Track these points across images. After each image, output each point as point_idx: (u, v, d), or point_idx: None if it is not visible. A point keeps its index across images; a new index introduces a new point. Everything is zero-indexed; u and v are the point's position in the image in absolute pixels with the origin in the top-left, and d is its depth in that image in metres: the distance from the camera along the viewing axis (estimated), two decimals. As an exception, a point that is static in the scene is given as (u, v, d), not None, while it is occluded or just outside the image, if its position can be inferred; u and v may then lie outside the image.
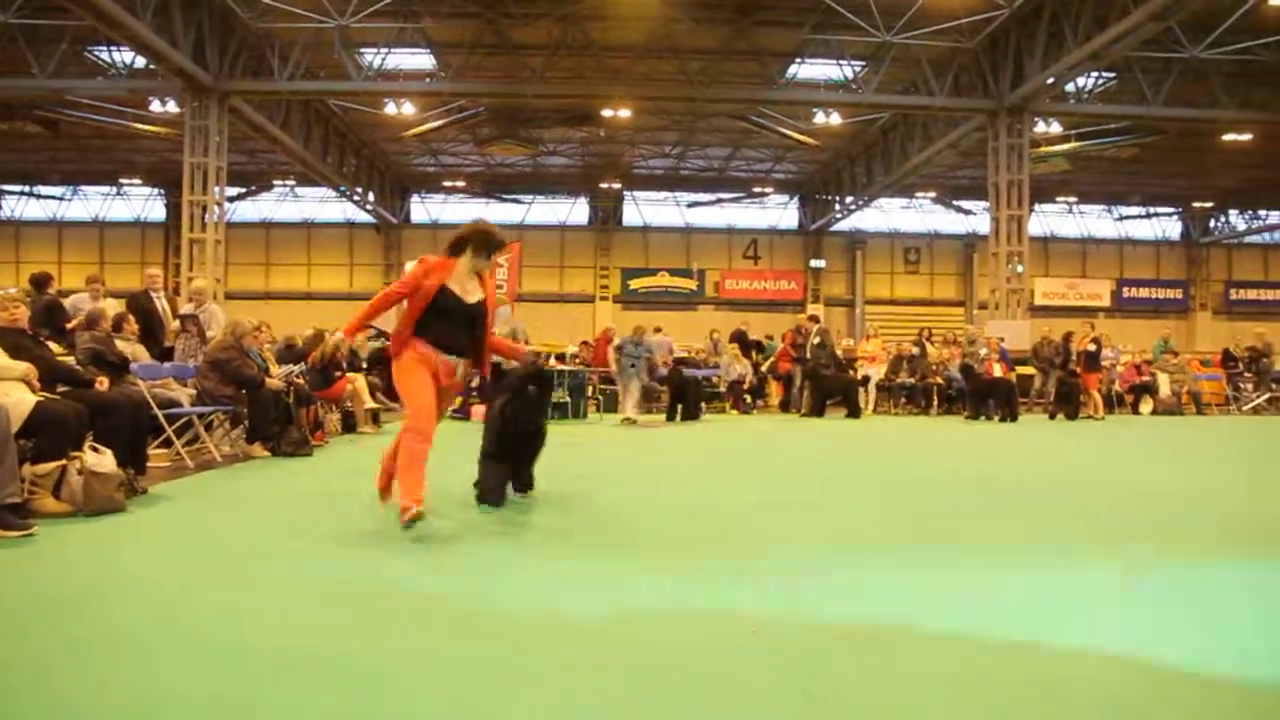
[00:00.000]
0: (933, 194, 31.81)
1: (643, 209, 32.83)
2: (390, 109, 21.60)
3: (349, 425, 10.90)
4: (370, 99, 21.80)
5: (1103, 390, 15.56)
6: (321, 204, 31.88)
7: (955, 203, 32.33)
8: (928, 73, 19.81)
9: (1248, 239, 34.80)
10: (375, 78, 20.62)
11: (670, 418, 13.76)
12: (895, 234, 33.57)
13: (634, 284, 31.94)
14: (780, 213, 33.27)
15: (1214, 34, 18.32)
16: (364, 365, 12.07)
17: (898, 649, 2.63)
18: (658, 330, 17.76)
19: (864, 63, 20.37)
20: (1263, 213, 33.22)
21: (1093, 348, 14.92)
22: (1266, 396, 17.64)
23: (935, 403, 15.88)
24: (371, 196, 29.36)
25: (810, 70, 21.14)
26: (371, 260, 32.06)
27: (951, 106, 20.26)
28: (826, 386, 14.47)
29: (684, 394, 13.88)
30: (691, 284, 32.00)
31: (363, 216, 31.34)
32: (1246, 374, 18.05)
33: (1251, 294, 34.83)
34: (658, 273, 32.05)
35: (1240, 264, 35.40)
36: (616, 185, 31.37)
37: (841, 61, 20.47)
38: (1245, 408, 17.47)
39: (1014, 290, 20.00)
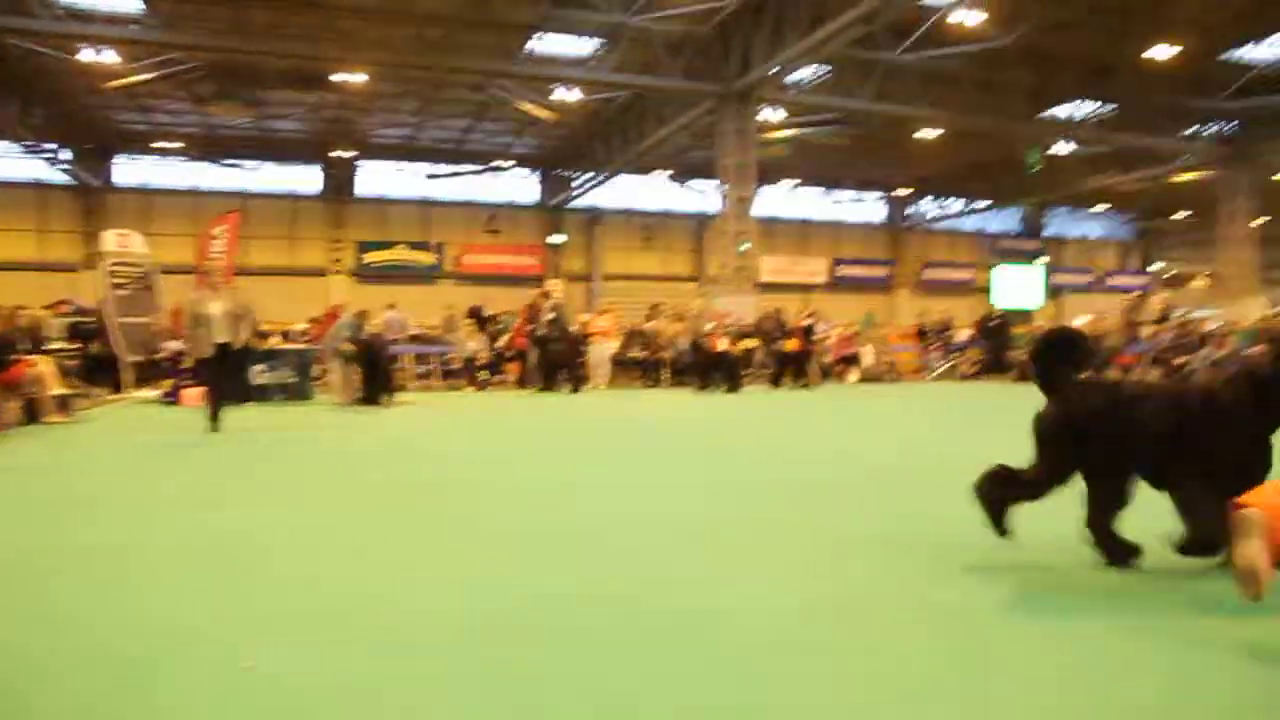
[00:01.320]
0: (668, 172, 32.91)
1: (379, 179, 31.56)
2: (87, 55, 19.28)
3: (32, 415, 9.68)
4: (60, 42, 19.32)
5: (817, 361, 16.83)
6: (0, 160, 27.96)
7: (688, 182, 33.62)
8: (662, 55, 20.41)
9: (938, 224, 39.00)
10: (64, 17, 18.26)
11: (367, 399, 12.12)
12: (632, 211, 34.45)
13: (370, 257, 30.66)
14: (521, 187, 33.16)
15: (909, 40, 20.23)
16: (53, 346, 10.74)
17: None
18: (390, 307, 17.18)
19: (603, 41, 20.62)
20: (948, 201, 37.37)
21: (808, 322, 16.07)
22: (949, 364, 19.84)
23: (668, 375, 16.51)
24: (67, 155, 26.16)
25: (550, 45, 21.12)
26: (69, 227, 28.56)
27: (685, 89, 21.00)
28: (554, 360, 14.56)
29: (375, 370, 12.49)
30: (431, 258, 31.20)
31: (58, 177, 27.86)
32: (934, 345, 20.21)
33: (941, 274, 39.10)
34: (395, 246, 30.95)
35: (933, 246, 39.60)
36: (351, 154, 29.92)
37: (581, 38, 20.62)
38: (932, 375, 19.56)
39: (741, 267, 21.14)
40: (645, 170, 32.32)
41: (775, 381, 15.97)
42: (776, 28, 18.56)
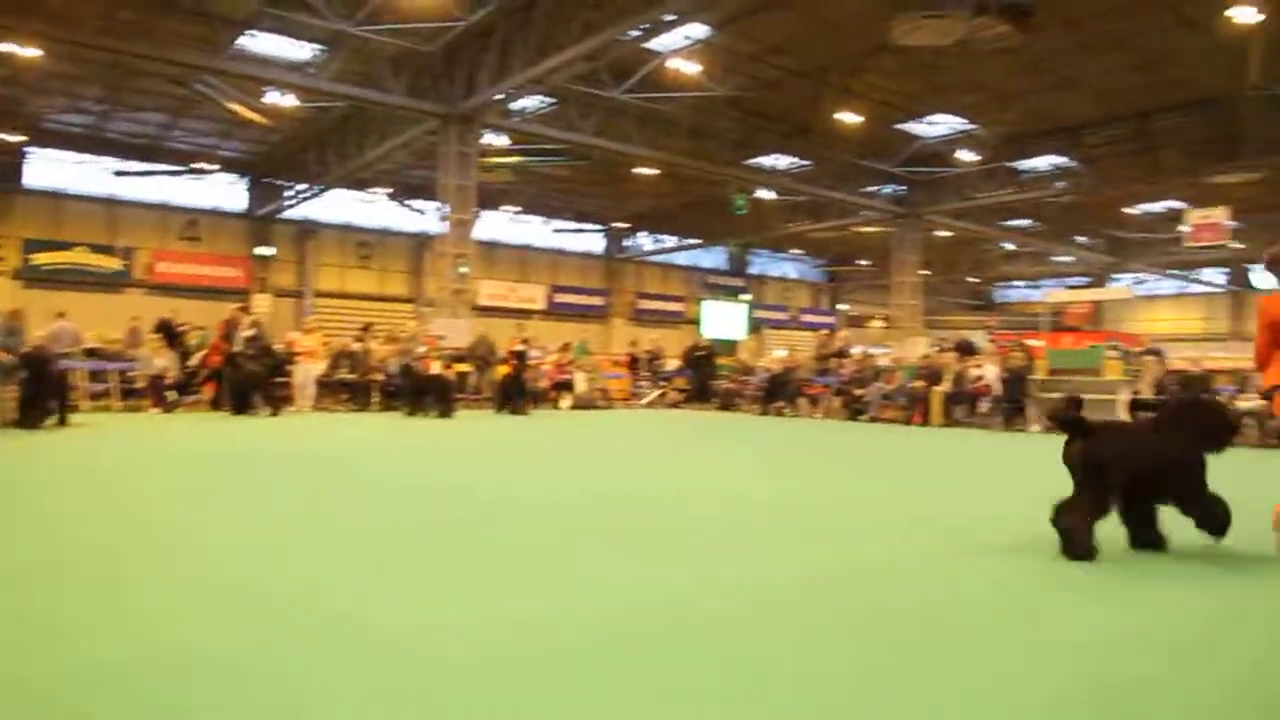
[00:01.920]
0: (387, 190, 31.99)
1: (54, 171, 28.04)
2: None
3: None
4: None
5: (530, 387, 16.91)
6: None
7: (408, 201, 32.85)
8: (385, 69, 19.84)
9: (652, 258, 40.81)
10: None
11: (24, 422, 10.68)
12: (349, 227, 33.10)
13: (39, 258, 27.04)
14: (227, 193, 30.83)
15: (630, 80, 21.10)
16: None
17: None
18: (60, 315, 15.27)
19: (323, 47, 19.69)
20: (663, 236, 39.25)
21: (521, 348, 16.15)
22: (659, 392, 20.71)
23: (375, 399, 15.93)
24: None
25: (264, 45, 19.81)
26: None
27: (408, 106, 20.49)
28: (248, 380, 13.53)
29: (40, 387, 11.03)
30: (116, 263, 28.11)
31: None
32: (644, 373, 21.02)
33: (654, 305, 40.88)
34: (73, 247, 27.56)
35: (647, 279, 41.36)
36: (18, 138, 26.37)
37: (299, 42, 19.54)
38: (642, 402, 20.32)
39: (459, 290, 20.90)
40: (364, 186, 31.23)
41: (500, 407, 15.88)
42: (503, 54, 18.64)
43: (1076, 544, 4.12)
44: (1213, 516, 4.32)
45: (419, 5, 18.03)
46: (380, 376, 15.94)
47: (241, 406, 13.44)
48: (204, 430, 11.25)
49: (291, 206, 29.81)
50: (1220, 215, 26.11)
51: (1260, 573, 4.05)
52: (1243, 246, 35.99)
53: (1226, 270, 44.02)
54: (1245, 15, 17.15)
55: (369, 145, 23.62)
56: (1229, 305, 44.76)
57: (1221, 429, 4.41)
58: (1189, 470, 4.29)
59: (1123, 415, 13.49)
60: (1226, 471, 4.47)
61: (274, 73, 19.83)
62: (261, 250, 30.75)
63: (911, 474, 8.20)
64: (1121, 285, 42.86)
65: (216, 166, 29.39)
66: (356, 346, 16.23)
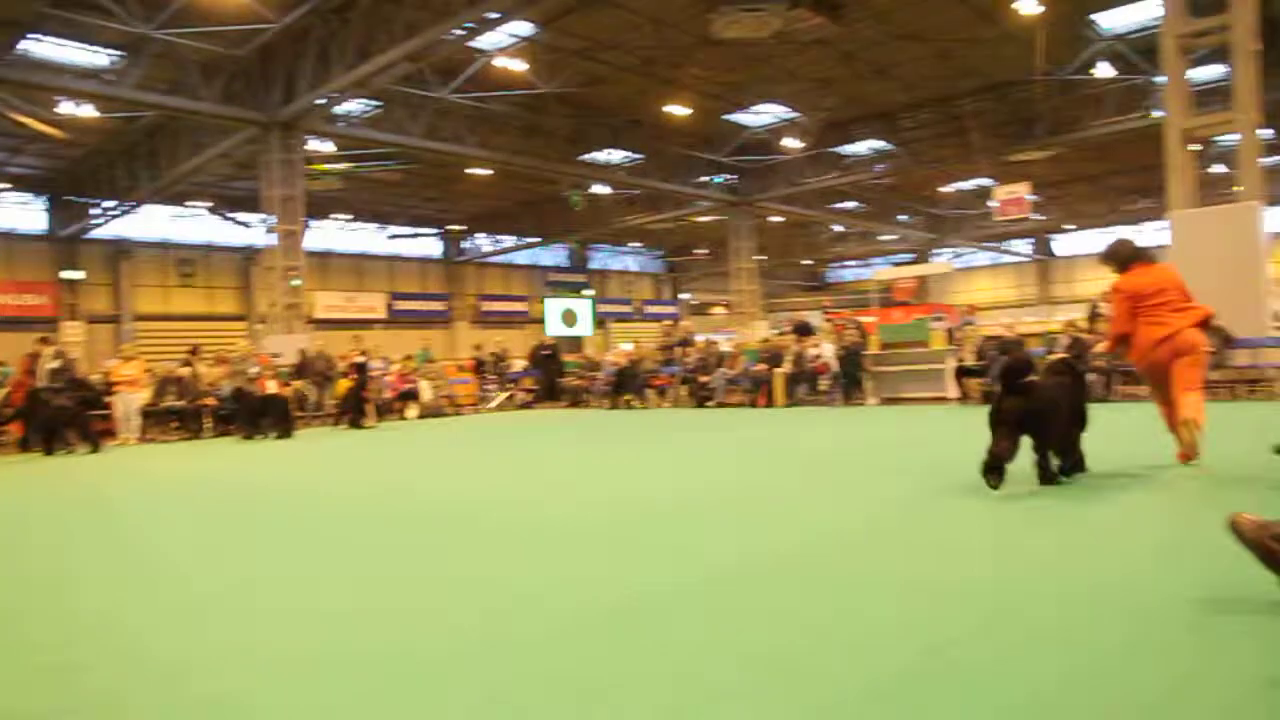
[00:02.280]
0: (208, 203, 30.33)
1: None
2: None
3: None
4: None
5: (374, 399, 16.42)
6: None
7: (231, 214, 31.28)
8: (196, 76, 18.72)
9: (492, 259, 40.36)
10: None
11: None
12: (168, 244, 31.20)
13: None
14: (22, 214, 28.43)
15: (457, 81, 20.78)
16: None
17: None
18: None
19: (121, 53, 18.36)
20: (502, 237, 38.88)
21: (361, 359, 15.66)
22: (506, 395, 20.51)
23: (208, 425, 15.09)
24: None
25: (52, 51, 18.27)
26: None
27: (222, 114, 19.44)
28: (53, 417, 12.50)
29: None
30: (-107, 295, 25.51)
31: None
32: (491, 376, 20.76)
33: (497, 306, 40.48)
34: None
35: (489, 280, 40.89)
36: None
37: (94, 47, 18.13)
38: (491, 405, 20.08)
39: (292, 304, 20.08)
40: (181, 200, 29.52)
41: (337, 422, 15.32)
42: (322, 58, 17.96)
43: (1047, 475, 5.19)
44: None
45: (225, 7, 17.13)
46: (212, 401, 15.09)
47: (51, 446, 12.42)
48: (5, 474, 10.38)
49: (100, 225, 27.79)
50: (1022, 190, 28.11)
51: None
52: (1043, 218, 39.00)
53: (1031, 240, 47.49)
54: (1028, 6, 18.54)
55: (183, 157, 22.29)
56: (1036, 272, 48.32)
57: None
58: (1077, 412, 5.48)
59: (950, 381, 14.33)
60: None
61: (66, 81, 18.27)
62: (69, 274, 28.51)
63: (757, 457, 8.43)
64: (942, 260, 45.61)
65: (7, 185, 27.06)
66: (184, 371, 15.28)
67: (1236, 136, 12.46)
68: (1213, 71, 20.15)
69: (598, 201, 32.00)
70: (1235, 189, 12.16)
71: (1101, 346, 6.44)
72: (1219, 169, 26.66)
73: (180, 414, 14.85)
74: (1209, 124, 12.93)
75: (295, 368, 16.75)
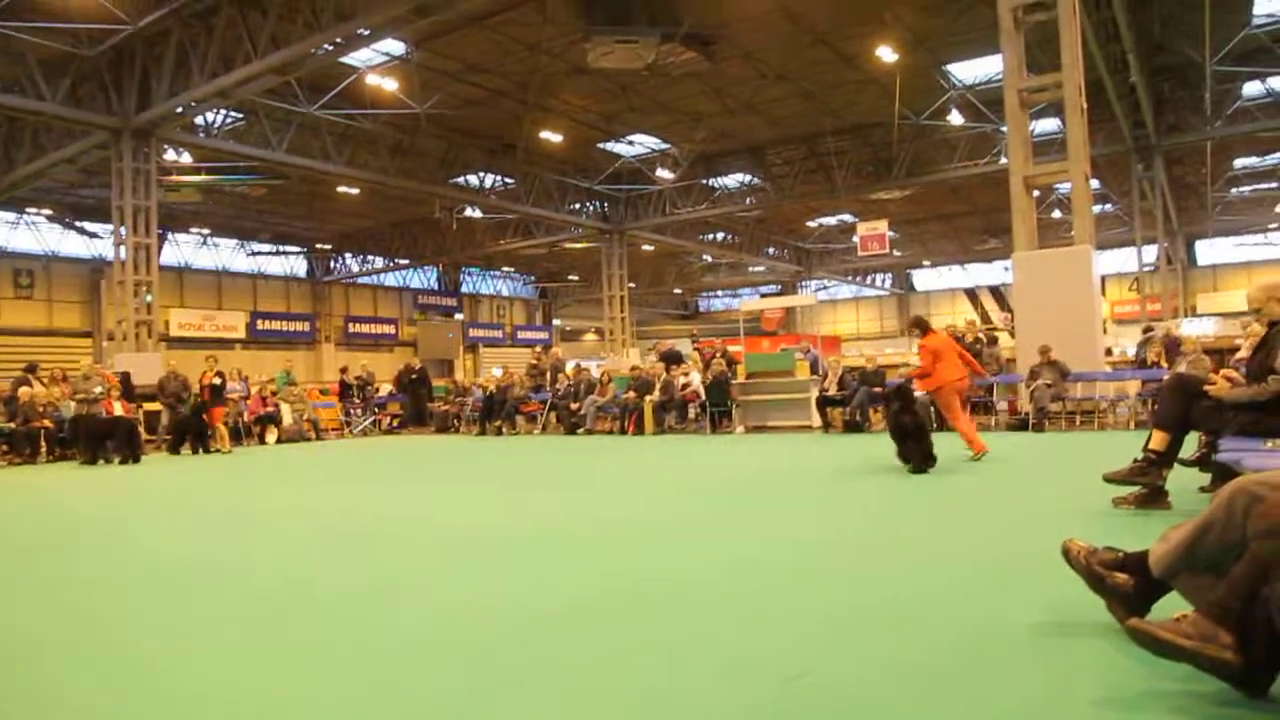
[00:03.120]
0: (49, 211, 28.51)
1: None
2: None
3: None
4: None
5: (229, 422, 15.69)
6: None
7: (78, 223, 29.50)
8: (36, 74, 17.58)
9: (360, 279, 39.36)
10: None
11: None
12: (2, 252, 29.11)
13: None
14: None
15: (326, 96, 20.26)
16: None
17: None
18: None
19: (-50, 47, 17.09)
20: (371, 257, 37.99)
21: (218, 381, 14.96)
22: (371, 420, 19.96)
23: (45, 449, 14.09)
24: None
25: None
26: None
27: (67, 117, 18.32)
28: None
29: None
30: None
31: None
32: (357, 400, 20.16)
33: (366, 328, 39.48)
34: None
35: (357, 301, 39.86)
36: None
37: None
38: (355, 430, 19.48)
39: (144, 321, 19.03)
40: (20, 206, 27.65)
41: (175, 448, 14.53)
42: (181, 64, 17.22)
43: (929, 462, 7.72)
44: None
45: (73, 4, 16.20)
46: (49, 423, 14.08)
47: None
48: None
49: (-76, 232, 25.73)
50: (882, 227, 29.41)
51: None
52: (902, 254, 40.94)
53: (892, 275, 49.70)
54: (887, 54, 19.53)
55: (22, 160, 20.88)
56: (895, 306, 50.54)
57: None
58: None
59: (814, 410, 14.77)
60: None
61: None
62: (-114, 284, 26.24)
63: (621, 483, 8.46)
64: (808, 293, 47.18)
65: None
66: (20, 391, 14.19)
67: (1068, 185, 13.41)
68: (1052, 124, 21.70)
69: (470, 224, 31.71)
70: (1072, 233, 13.03)
71: (917, 383, 9.11)
72: (1057, 215, 28.65)
73: (10, 437, 13.79)
74: (1047, 173, 13.87)
75: (155, 387, 15.84)
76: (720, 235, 37.30)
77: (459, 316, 43.82)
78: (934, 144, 25.12)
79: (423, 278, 43.32)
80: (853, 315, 51.49)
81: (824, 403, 14.38)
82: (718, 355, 16.63)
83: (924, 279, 50.07)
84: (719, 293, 55.21)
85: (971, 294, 46.93)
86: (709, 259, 43.51)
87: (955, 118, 23.37)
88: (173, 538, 6.01)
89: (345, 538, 5.65)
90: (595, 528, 5.67)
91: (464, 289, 45.52)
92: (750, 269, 45.73)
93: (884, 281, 49.71)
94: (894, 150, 25.48)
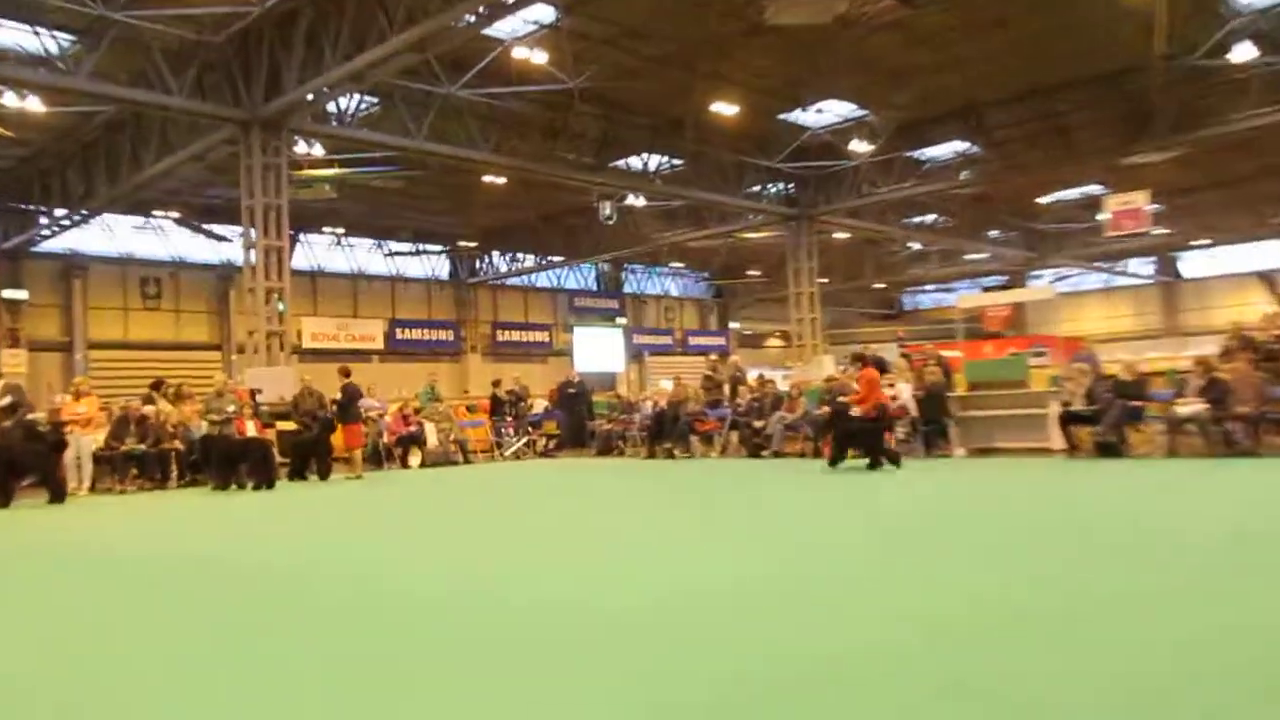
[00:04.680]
0: (176, 214, 30.79)
1: None
2: None
3: None
4: None
5: (365, 445, 16.46)
6: None
7: (206, 226, 31.76)
8: (162, 65, 18.99)
9: (509, 281, 40.64)
10: None
11: None
12: (130, 259, 31.68)
13: None
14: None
15: (468, 75, 20.95)
16: None
17: None
18: None
19: (76, 37, 18.55)
20: (521, 255, 39.15)
21: (342, 398, 15.77)
22: (525, 440, 20.50)
23: (176, 473, 15.21)
24: None
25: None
26: None
27: (194, 110, 19.66)
28: (10, 462, 12.62)
29: None
30: None
31: None
32: (509, 418, 20.78)
33: (515, 335, 40.75)
34: None
35: (505, 306, 41.17)
36: None
37: (44, 30, 18.30)
38: (507, 453, 20.06)
39: (276, 331, 20.17)
40: (147, 209, 30.08)
41: (298, 472, 15.40)
42: (312, 47, 18.18)
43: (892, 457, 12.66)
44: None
45: (199, -14, 17.42)
46: (179, 444, 15.21)
47: (9, 496, 12.57)
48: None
49: (49, 237, 28.19)
50: (1140, 200, 27.74)
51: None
52: (1168, 233, 38.41)
53: (1154, 260, 46.88)
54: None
55: (148, 159, 22.51)
56: (1159, 298, 47.57)
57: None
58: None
59: (1055, 430, 14.05)
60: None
61: (9, 69, 18.23)
62: (11, 293, 28.86)
63: (834, 526, 8.28)
64: (1043, 284, 45.20)
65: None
66: (147, 410, 15.43)
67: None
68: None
69: (633, 215, 32.14)
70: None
71: (856, 409, 12.74)
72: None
73: (141, 459, 14.95)
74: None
75: (290, 404, 16.84)
76: (930, 218, 36.23)
77: (621, 321, 44.53)
78: (1211, 88, 23.22)
79: (579, 277, 44.28)
80: (1102, 311, 48.88)
81: (1069, 419, 13.66)
82: (931, 362, 16.14)
83: (1195, 263, 46.87)
84: (928, 287, 53.72)
85: (1268, 278, 43.28)
86: (916, 246, 42.36)
87: (1242, 51, 21.37)
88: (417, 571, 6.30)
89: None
90: (791, 590, 5.33)
91: (626, 289, 46.25)
92: (967, 257, 44.21)
93: (1143, 268, 47.00)
94: (1154, 101, 23.86)
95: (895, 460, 12.74)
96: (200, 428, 15.13)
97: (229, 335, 31.61)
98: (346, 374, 16.64)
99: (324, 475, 15.28)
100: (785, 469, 14.27)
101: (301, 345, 30.08)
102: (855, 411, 13.01)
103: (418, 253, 38.62)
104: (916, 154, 28.48)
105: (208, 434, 14.42)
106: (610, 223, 30.49)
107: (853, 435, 13.04)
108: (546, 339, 41.70)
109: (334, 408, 15.86)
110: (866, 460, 12.81)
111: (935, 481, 11.42)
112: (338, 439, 15.97)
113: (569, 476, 14.96)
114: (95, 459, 14.62)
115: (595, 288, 45.15)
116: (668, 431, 18.20)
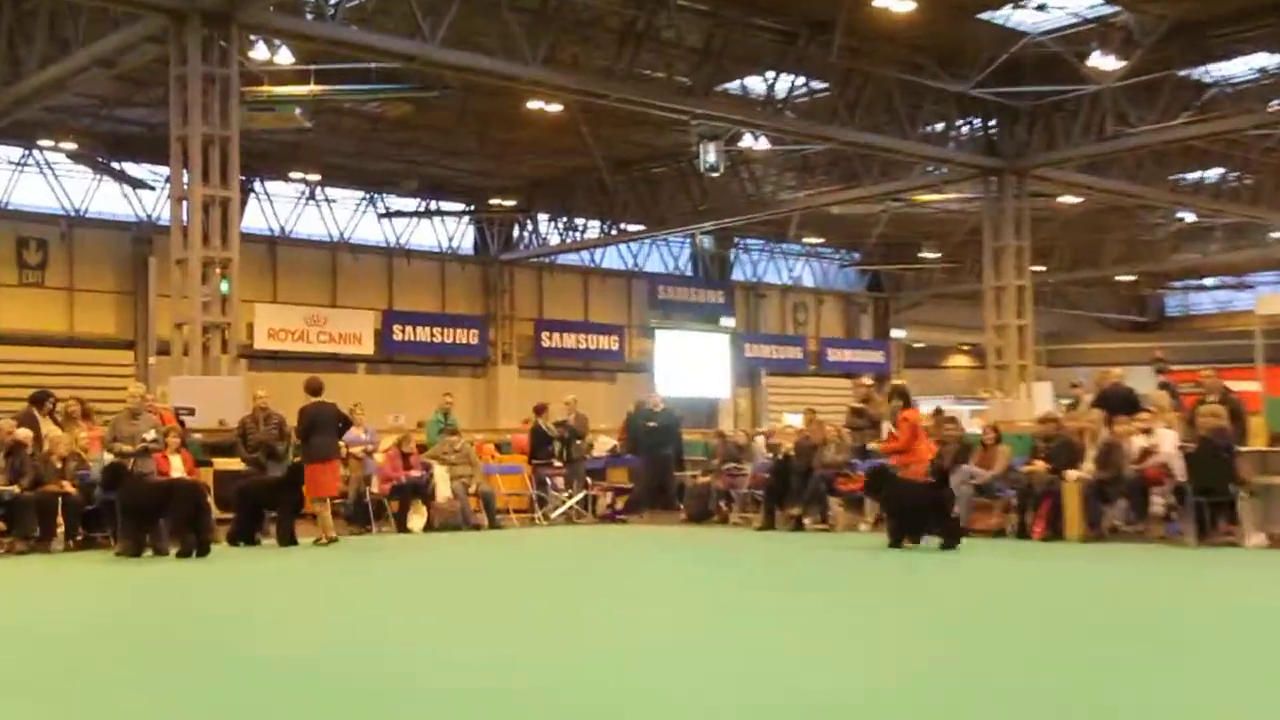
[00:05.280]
0: (72, 145, 31.08)
1: None
2: None
3: None
4: None
5: (345, 494, 16.49)
6: None
7: (116, 164, 32.06)
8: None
9: (561, 257, 40.54)
10: None
11: None
12: (2, 212, 32.16)
13: None
14: None
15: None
16: None
17: None
18: None
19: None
20: (580, 221, 38.88)
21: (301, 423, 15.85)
22: (581, 496, 20.36)
23: (64, 528, 15.41)
24: None
25: None
26: None
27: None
28: None
29: None
30: None
31: None
32: (557, 462, 20.65)
33: (569, 339, 40.56)
34: None
35: (555, 294, 41.06)
36: None
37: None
38: (554, 514, 19.94)
39: (215, 324, 20.42)
40: (27, 138, 30.41)
41: (243, 534, 15.55)
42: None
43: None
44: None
45: None
46: (71, 487, 15.36)
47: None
48: None
49: None
50: None
51: None
52: None
53: None
54: None
55: (32, 61, 22.84)
56: None
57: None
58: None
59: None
60: None
61: None
62: None
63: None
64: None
65: None
66: (21, 434, 15.61)
67: None
68: None
69: (749, 165, 31.99)
70: None
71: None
72: None
73: (11, 507, 15.06)
74: None
75: (237, 431, 17.02)
76: (1213, 173, 35.56)
77: (728, 323, 44.32)
78: None
79: (667, 256, 44.26)
80: None
81: None
82: (1210, 398, 15.77)
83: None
84: (1207, 281, 52.76)
85: None
86: (1188, 218, 41.56)
87: None
88: None
89: None
90: None
91: (736, 275, 46.08)
92: (1273, 236, 43.32)
93: None
94: None
95: (955, 536, 13.55)
96: (101, 462, 15.31)
97: (146, 328, 32.01)
98: (315, 390, 16.37)
99: (285, 538, 15.33)
100: (985, 557, 13.99)
101: (254, 345, 30.41)
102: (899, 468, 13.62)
103: (428, 214, 38.89)
104: (1196, 73, 27.91)
105: (115, 465, 14.51)
106: (715, 175, 30.40)
107: (910, 507, 13.68)
108: (616, 346, 41.66)
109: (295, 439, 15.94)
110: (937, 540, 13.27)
111: (1219, 592, 11.03)
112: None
113: (645, 561, 14.77)
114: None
115: (690, 272, 45.12)
116: (795, 491, 18.01)
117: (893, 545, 13.48)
